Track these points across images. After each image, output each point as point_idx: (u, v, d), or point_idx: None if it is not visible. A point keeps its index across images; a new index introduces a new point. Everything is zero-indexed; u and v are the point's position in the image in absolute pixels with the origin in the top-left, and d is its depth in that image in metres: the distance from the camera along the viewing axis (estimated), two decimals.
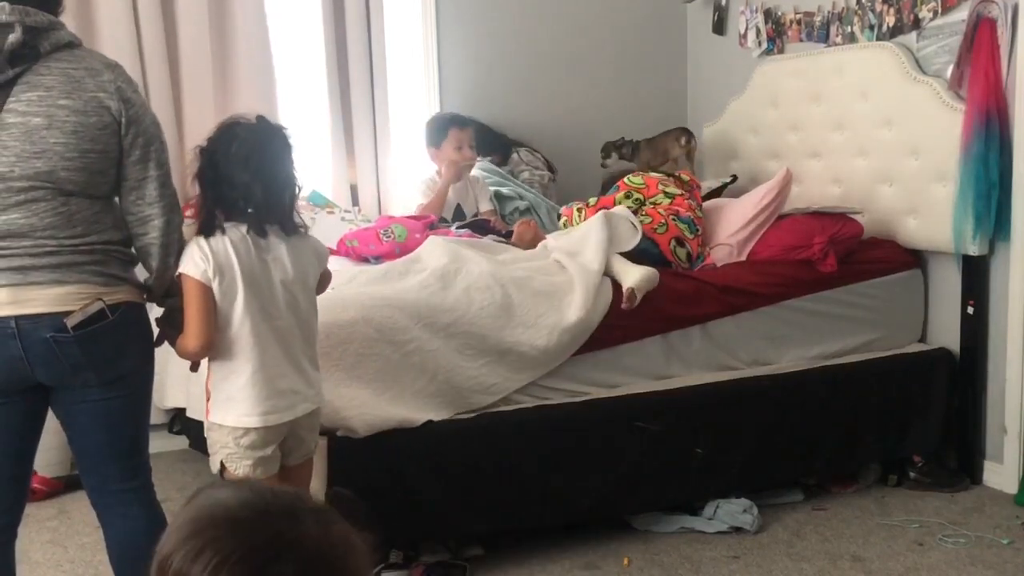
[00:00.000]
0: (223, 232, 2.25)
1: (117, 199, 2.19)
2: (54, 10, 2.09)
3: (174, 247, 2.22)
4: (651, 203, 3.64)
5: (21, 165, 2.01)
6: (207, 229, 2.24)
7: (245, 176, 2.23)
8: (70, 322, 2.03)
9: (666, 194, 3.65)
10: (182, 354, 2.32)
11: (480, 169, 4.29)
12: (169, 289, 2.26)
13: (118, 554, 2.23)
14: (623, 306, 3.15)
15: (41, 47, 2.02)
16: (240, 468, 2.30)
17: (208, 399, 2.34)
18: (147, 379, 2.26)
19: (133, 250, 2.21)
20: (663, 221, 3.54)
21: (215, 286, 2.22)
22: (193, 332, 2.23)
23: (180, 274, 2.22)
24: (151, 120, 2.16)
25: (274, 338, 2.30)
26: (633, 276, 3.18)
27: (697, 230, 3.62)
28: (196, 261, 2.21)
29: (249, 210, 2.26)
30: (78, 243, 2.07)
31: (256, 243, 2.28)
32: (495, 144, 4.52)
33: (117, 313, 2.10)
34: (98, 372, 2.10)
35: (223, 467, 2.33)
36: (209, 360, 2.32)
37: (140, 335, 2.21)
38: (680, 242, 3.53)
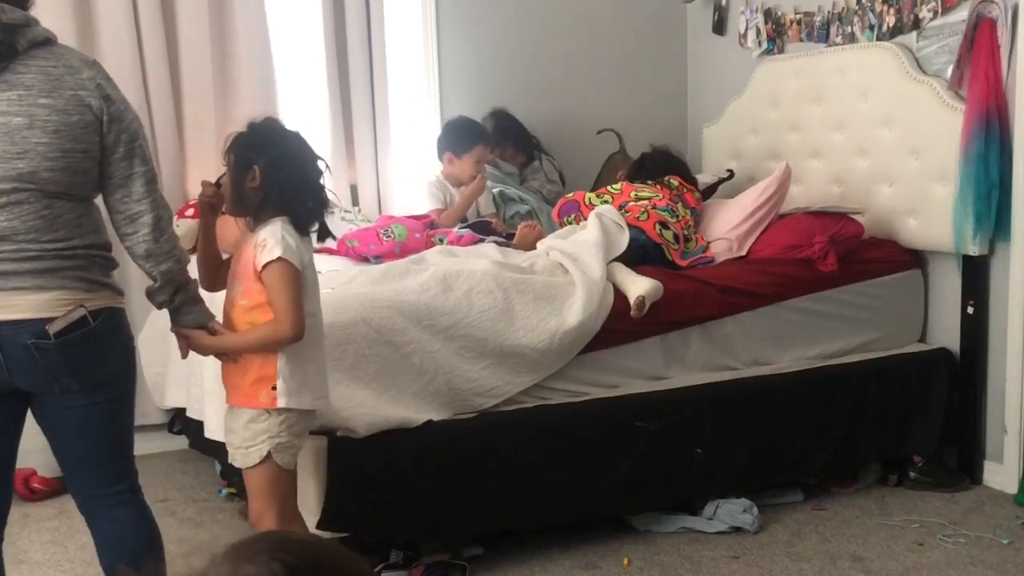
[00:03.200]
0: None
1: (98, 201, 2.15)
2: (25, 5, 2.04)
3: (170, 243, 2.16)
4: (627, 204, 3.66)
5: (3, 167, 1.96)
6: (324, 233, 2.41)
7: (317, 174, 2.37)
8: (52, 329, 1.99)
9: (639, 199, 3.66)
10: (275, 344, 2.26)
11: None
12: (177, 288, 2.22)
13: (109, 558, 2.20)
14: (632, 314, 3.16)
15: (18, 44, 1.97)
16: (285, 457, 2.32)
17: (272, 387, 2.27)
18: (129, 383, 2.23)
19: (124, 249, 2.16)
20: (643, 210, 3.57)
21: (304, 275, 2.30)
22: (291, 319, 2.23)
23: (277, 259, 2.22)
24: (133, 116, 2.11)
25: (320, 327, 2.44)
26: (642, 285, 3.19)
27: (676, 215, 3.64)
28: (294, 249, 2.25)
29: (316, 208, 2.38)
30: (61, 247, 2.03)
31: (307, 239, 2.38)
32: (524, 146, 4.48)
33: (99, 319, 2.06)
34: (79, 378, 2.06)
35: (268, 457, 2.29)
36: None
37: (121, 340, 2.17)
38: (664, 224, 3.55)
